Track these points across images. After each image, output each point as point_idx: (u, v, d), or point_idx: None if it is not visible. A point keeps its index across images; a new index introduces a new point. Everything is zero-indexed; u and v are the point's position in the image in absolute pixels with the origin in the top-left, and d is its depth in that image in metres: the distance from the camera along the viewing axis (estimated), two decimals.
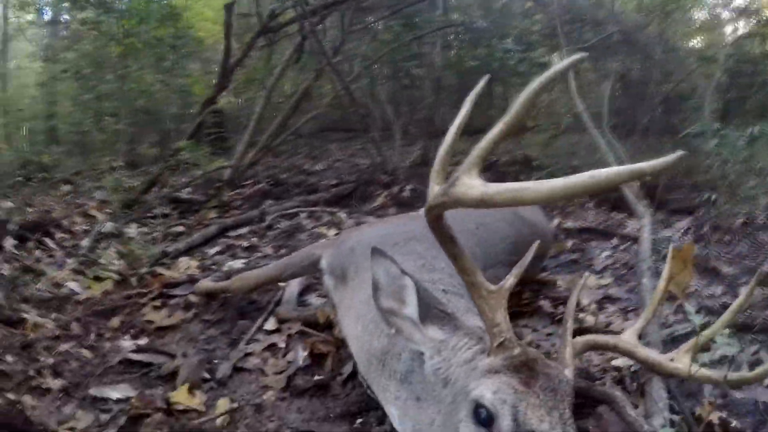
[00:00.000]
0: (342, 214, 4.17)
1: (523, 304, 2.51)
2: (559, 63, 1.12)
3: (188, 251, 3.70)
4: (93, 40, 6.51)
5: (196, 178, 5.38)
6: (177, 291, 2.94)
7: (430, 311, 1.28)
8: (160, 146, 6.79)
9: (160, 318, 2.65)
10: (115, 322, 2.63)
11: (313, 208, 4.31)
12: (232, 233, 4.06)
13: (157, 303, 2.81)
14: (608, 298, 2.60)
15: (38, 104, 7.80)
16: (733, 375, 1.28)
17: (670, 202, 3.97)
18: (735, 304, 1.36)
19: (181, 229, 4.29)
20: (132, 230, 4.24)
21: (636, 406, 1.58)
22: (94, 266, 3.28)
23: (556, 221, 3.90)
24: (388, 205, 4.25)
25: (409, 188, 4.23)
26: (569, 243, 3.47)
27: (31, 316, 2.64)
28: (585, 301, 2.46)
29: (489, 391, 1.11)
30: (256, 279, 2.58)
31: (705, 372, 1.30)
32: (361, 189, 4.64)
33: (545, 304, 2.56)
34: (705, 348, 1.39)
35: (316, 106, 5.73)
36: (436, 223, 1.17)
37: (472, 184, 1.07)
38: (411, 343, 1.28)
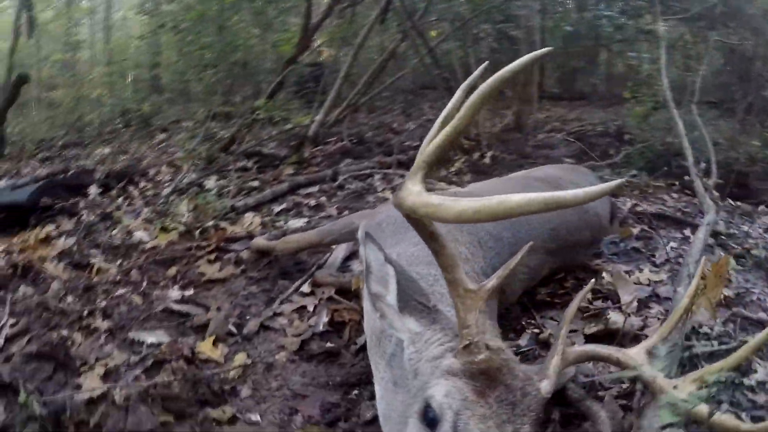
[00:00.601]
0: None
1: (560, 293, 2.37)
2: (516, 62, 1.09)
3: (256, 207, 3.94)
4: None
5: (280, 133, 5.69)
6: (234, 246, 3.16)
7: (409, 302, 1.29)
8: (254, 100, 7.24)
9: (211, 271, 2.88)
10: (172, 271, 2.91)
11: (387, 170, 4.32)
12: (303, 191, 4.24)
13: (212, 257, 3.06)
14: (656, 297, 2.34)
15: (142, 54, 8.74)
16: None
17: (763, 192, 3.59)
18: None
19: (256, 183, 4.57)
20: (211, 183, 4.62)
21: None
22: (164, 217, 3.66)
23: (629, 203, 3.66)
24: (464, 172, 4.16)
25: (490, 154, 4.08)
26: (636, 229, 3.19)
27: (98, 261, 3.04)
28: (627, 298, 2.22)
29: (440, 393, 1.12)
30: (297, 242, 2.73)
31: (701, 411, 1.13)
32: None
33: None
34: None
35: (401, 67, 5.70)
36: (410, 219, 1.16)
37: (411, 191, 1.10)
38: (392, 329, 1.30)
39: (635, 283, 2.42)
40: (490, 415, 1.06)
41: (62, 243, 3.27)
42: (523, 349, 1.95)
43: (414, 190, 1.10)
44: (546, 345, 1.95)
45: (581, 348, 1.32)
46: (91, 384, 1.87)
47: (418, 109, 7.52)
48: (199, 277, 2.82)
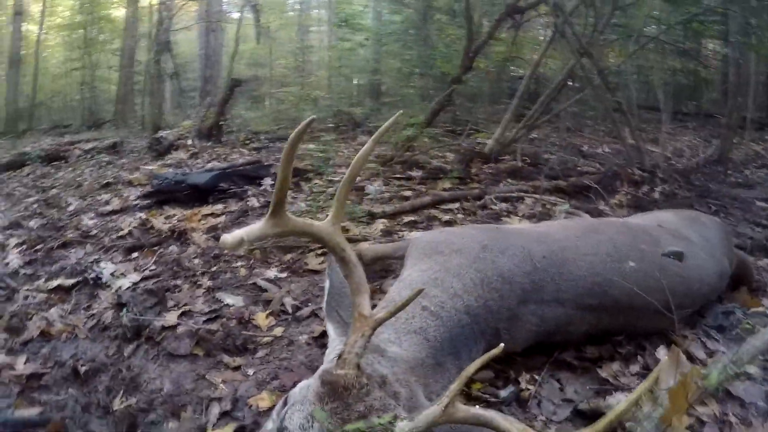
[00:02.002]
0: (563, 206, 4.38)
1: (587, 358, 2.40)
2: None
3: (393, 215, 4.73)
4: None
5: (456, 146, 6.43)
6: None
7: (332, 312, 1.88)
8: (450, 111, 8.18)
9: (314, 263, 3.73)
10: (287, 257, 3.88)
11: (536, 195, 4.66)
12: (444, 206, 4.87)
13: (321, 251, 3.93)
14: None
15: (363, 61, 10.47)
16: None
17: None
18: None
19: (409, 193, 5.37)
20: (372, 187, 5.59)
21: None
22: (310, 212, 4.71)
23: None
24: (623, 205, 4.22)
25: (661, 189, 4.04)
26: None
27: None
28: (664, 384, 2.18)
29: (299, 386, 1.62)
30: (374, 252, 3.37)
31: None
32: (606, 181, 4.69)
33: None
34: None
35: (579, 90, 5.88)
36: (326, 244, 1.74)
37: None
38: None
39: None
40: (314, 418, 1.49)
41: (218, 220, 4.56)
42: (498, 400, 2.13)
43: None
44: (523, 402, 2.13)
45: (476, 410, 1.50)
46: (169, 318, 2.87)
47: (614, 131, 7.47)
48: (303, 266, 3.70)
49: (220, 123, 8.58)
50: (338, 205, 1.76)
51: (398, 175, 6.05)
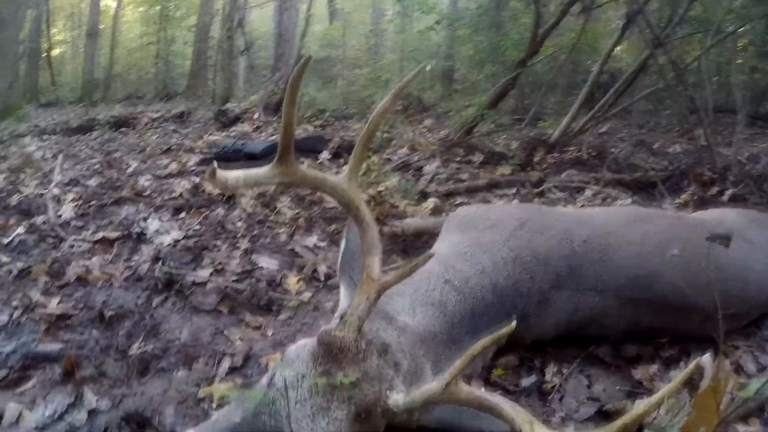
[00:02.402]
0: (624, 200, 4.16)
1: (624, 358, 2.21)
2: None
3: (447, 195, 4.64)
4: None
5: (520, 134, 6.25)
6: (388, 220, 3.95)
7: (344, 274, 1.86)
8: (517, 99, 7.98)
9: None
10: (331, 227, 3.86)
11: (598, 187, 4.44)
12: (498, 191, 4.73)
13: None
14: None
15: (436, 45, 10.36)
16: None
17: None
18: None
19: (466, 176, 5.26)
20: (430, 167, 5.51)
21: None
22: (361, 186, 4.68)
23: None
24: (689, 205, 3.97)
25: (732, 192, 3.77)
26: None
27: (282, 205, 4.21)
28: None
29: (297, 344, 1.58)
30: (416, 226, 3.40)
31: None
32: (673, 179, 4.44)
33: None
34: None
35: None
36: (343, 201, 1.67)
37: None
38: None
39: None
40: (304, 376, 1.44)
41: (268, 188, 4.59)
42: (518, 389, 2.01)
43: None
44: (545, 395, 1.99)
45: (480, 393, 1.41)
46: (201, 274, 2.89)
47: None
48: (336, 236, 3.68)
49: None
50: (355, 161, 1.68)
51: (458, 158, 5.95)
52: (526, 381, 2.04)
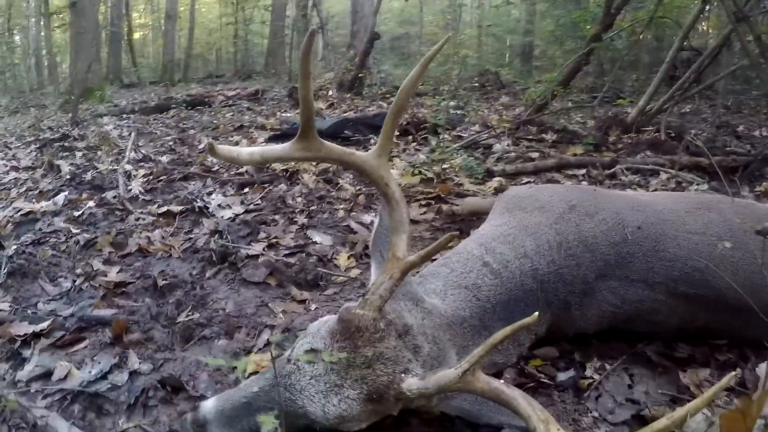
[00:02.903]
0: (700, 185, 3.91)
1: (676, 357, 2.03)
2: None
3: (514, 175, 4.54)
4: None
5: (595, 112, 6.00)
6: (450, 198, 3.91)
7: (376, 252, 1.83)
8: (597, 76, 7.66)
9: (414, 213, 3.70)
10: None
11: (673, 171, 4.19)
12: (568, 171, 4.57)
13: (426, 202, 3.87)
14: None
15: (517, 21, 10.06)
16: None
17: None
18: None
19: (536, 155, 5.12)
20: (499, 146, 5.41)
21: None
22: (426, 164, 4.66)
23: None
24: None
25: None
26: None
27: (343, 182, 4.26)
28: None
29: (320, 319, 1.60)
30: (471, 205, 3.34)
31: None
32: (756, 165, 4.10)
33: None
34: None
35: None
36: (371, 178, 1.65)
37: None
38: None
39: None
40: (325, 356, 1.43)
41: (331, 165, 4.66)
42: (553, 383, 1.92)
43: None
44: (581, 391, 1.87)
45: (498, 385, 1.36)
46: (256, 248, 2.98)
47: None
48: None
49: (360, 75, 8.77)
50: (385, 137, 1.64)
51: (530, 137, 5.80)
52: (563, 375, 1.94)
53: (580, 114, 6.36)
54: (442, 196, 3.95)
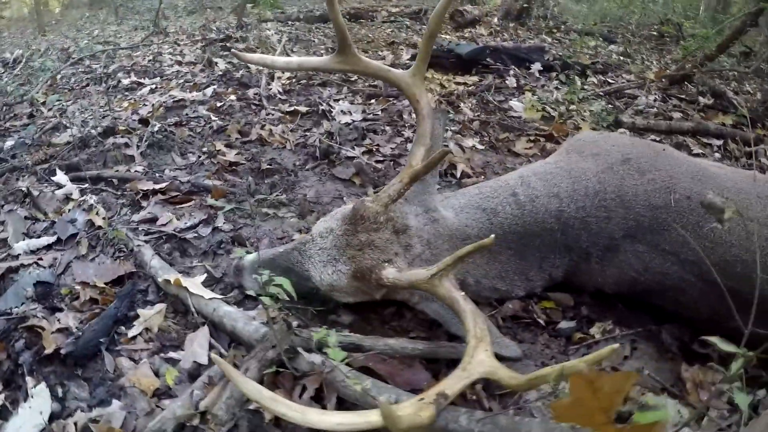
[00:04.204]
0: None
1: None
2: None
3: (642, 130, 4.42)
4: None
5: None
6: (562, 139, 3.97)
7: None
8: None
9: (519, 147, 3.83)
10: (502, 135, 4.04)
11: None
12: (704, 139, 4.33)
13: (535, 138, 3.97)
14: None
15: None
16: None
17: None
18: None
19: (678, 116, 4.87)
20: (643, 100, 5.22)
21: None
22: (557, 103, 4.70)
23: None
24: None
25: None
26: None
27: (465, 106, 4.46)
28: None
29: (345, 206, 1.93)
30: None
31: None
32: None
33: None
34: None
35: None
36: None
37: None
38: None
39: None
40: (332, 232, 1.79)
41: (461, 89, 4.86)
42: (550, 326, 2.00)
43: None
44: (572, 343, 1.92)
45: (456, 295, 1.52)
46: (355, 151, 3.36)
47: None
48: (508, 146, 3.84)
49: (527, 5, 8.61)
50: (420, 59, 1.86)
51: (683, 96, 5.48)
52: (565, 324, 1.99)
53: (753, 82, 5.83)
54: (555, 135, 4.01)
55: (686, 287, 1.87)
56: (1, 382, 1.68)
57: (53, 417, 1.56)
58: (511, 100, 4.68)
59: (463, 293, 1.53)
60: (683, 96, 5.47)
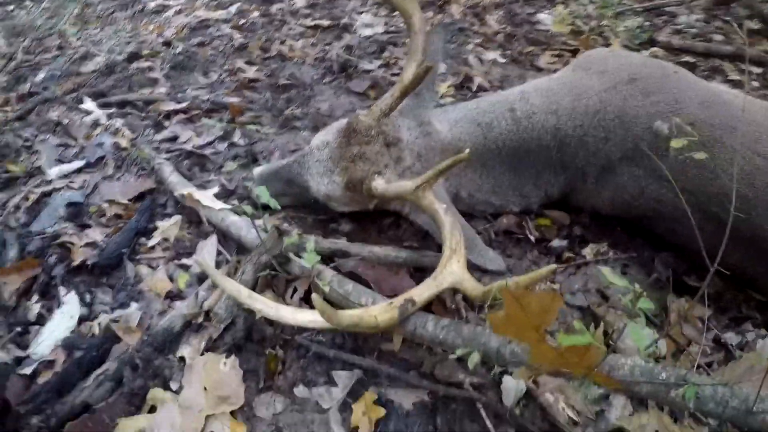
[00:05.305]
0: None
1: None
2: None
3: (675, 50, 4.16)
4: None
5: None
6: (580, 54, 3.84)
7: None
8: None
9: (543, 62, 3.71)
10: (528, 49, 3.90)
11: None
12: (743, 65, 4.04)
13: (559, 53, 3.84)
14: None
15: None
16: None
17: None
18: None
19: (720, 38, 4.55)
20: (688, 17, 4.89)
21: None
22: (589, 18, 4.49)
23: None
24: None
25: None
26: None
27: (491, 18, 4.32)
28: None
29: (343, 120, 1.93)
30: None
31: None
32: None
33: None
34: None
35: None
36: None
37: None
38: None
39: None
40: (327, 144, 1.83)
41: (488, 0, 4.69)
42: (544, 245, 2.00)
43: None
44: (560, 262, 1.92)
45: (438, 206, 1.54)
46: (372, 65, 3.33)
47: None
48: (532, 60, 3.73)
49: None
50: None
51: (730, 18, 5.08)
52: (557, 242, 1.99)
53: None
54: (582, 50, 3.87)
55: (681, 216, 1.69)
56: (38, 293, 1.82)
57: (82, 320, 1.71)
58: (540, 12, 4.49)
59: (444, 205, 1.56)
60: (728, 18, 5.10)
